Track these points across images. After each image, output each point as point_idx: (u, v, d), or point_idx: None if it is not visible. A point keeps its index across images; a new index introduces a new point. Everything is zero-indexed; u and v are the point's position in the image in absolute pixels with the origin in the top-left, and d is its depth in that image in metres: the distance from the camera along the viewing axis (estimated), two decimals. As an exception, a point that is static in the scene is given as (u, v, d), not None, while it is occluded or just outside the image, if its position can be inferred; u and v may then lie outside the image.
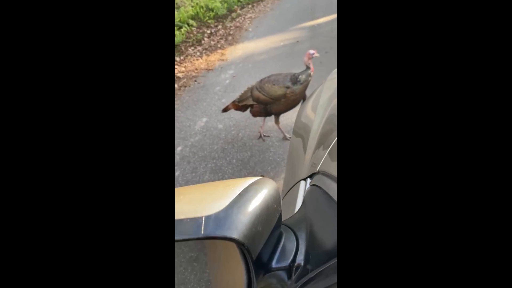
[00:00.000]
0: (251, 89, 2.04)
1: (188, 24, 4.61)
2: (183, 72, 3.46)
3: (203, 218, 0.30)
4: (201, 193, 0.36)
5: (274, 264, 0.36)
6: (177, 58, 3.78)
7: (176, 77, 3.34)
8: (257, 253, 0.32)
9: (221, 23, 4.93)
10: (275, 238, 0.37)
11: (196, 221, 0.30)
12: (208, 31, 4.61)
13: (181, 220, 0.30)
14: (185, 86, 3.14)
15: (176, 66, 3.60)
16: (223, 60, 3.69)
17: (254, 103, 2.02)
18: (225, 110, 2.26)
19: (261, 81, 2.01)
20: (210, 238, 0.30)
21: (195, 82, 3.21)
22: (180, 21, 4.57)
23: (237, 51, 3.92)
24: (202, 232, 0.30)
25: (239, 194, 0.33)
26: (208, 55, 3.86)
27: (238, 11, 5.46)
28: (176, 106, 2.81)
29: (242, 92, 2.13)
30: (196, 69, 3.51)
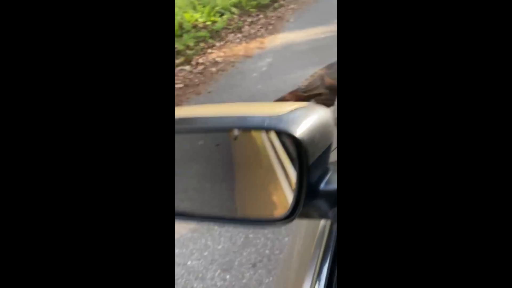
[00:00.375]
0: (320, 78, 1.99)
1: (230, 12, 4.65)
2: (221, 57, 3.51)
3: (266, 116, 0.32)
4: (256, 105, 0.38)
5: (322, 186, 0.36)
6: (217, 44, 3.84)
7: (215, 62, 3.39)
8: (313, 171, 0.33)
9: (263, 13, 4.92)
10: (325, 164, 0.37)
11: (258, 117, 0.32)
12: (249, 20, 4.62)
13: (244, 117, 0.32)
14: (222, 71, 3.19)
15: (215, 51, 3.66)
16: (261, 48, 3.69)
17: (325, 91, 1.97)
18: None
19: (330, 68, 1.96)
20: (270, 130, 0.32)
21: (233, 68, 3.24)
22: (223, 8, 4.62)
23: (276, 40, 3.91)
24: (266, 124, 0.31)
25: (297, 108, 0.34)
26: (247, 43, 3.88)
27: (281, 2, 5.42)
28: (212, 89, 2.86)
29: (308, 81, 2.07)
30: (235, 55, 3.54)
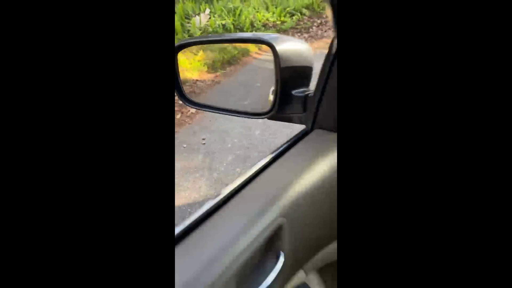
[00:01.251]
0: None
1: (300, 13, 4.83)
2: (285, 54, 3.72)
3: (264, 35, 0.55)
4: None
5: (295, 92, 0.54)
6: (283, 42, 4.06)
7: (278, 58, 3.61)
8: (286, 76, 0.52)
9: (333, 15, 5.01)
10: (300, 78, 0.55)
11: (257, 34, 0.55)
12: (319, 21, 4.75)
13: (248, 34, 0.55)
14: (283, 66, 3.39)
15: (280, 48, 3.89)
16: (326, 48, 3.81)
17: None
18: None
19: None
20: (261, 42, 0.54)
21: (294, 64, 3.42)
22: (294, 9, 4.82)
23: (341, 41, 3.99)
24: (257, 37, 0.54)
25: (285, 36, 0.55)
26: (312, 42, 4.03)
27: (354, 5, 5.44)
28: (271, 81, 3.08)
29: None
30: (298, 53, 3.72)
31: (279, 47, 0.52)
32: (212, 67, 3.45)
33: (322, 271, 0.57)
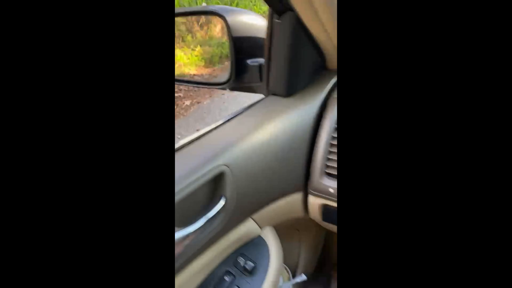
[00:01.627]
0: None
1: (298, 5, 4.82)
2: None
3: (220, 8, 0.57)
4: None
5: (250, 62, 0.57)
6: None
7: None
8: (239, 46, 0.55)
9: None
10: (258, 53, 0.57)
11: (215, 7, 0.56)
12: (316, 13, 4.74)
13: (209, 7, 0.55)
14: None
15: (276, 40, 3.89)
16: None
17: None
18: None
19: None
20: (215, 14, 0.56)
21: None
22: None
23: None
24: (213, 9, 0.57)
25: (243, 10, 0.58)
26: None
27: None
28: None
29: None
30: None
31: (230, 18, 0.53)
32: (210, 61, 3.46)
33: (280, 230, 0.59)
